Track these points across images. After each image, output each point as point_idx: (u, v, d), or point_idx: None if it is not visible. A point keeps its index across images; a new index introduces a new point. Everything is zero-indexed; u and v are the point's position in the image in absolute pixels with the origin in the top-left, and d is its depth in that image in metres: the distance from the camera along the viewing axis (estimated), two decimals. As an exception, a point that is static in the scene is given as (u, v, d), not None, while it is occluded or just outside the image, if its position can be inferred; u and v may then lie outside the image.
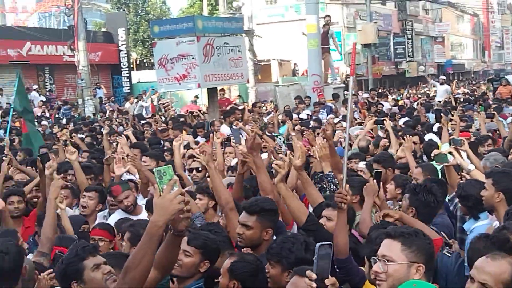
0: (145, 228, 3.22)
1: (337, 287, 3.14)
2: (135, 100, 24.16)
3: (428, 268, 3.30)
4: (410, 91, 34.65)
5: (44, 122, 18.78)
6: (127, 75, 32.85)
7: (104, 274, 3.79)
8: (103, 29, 37.57)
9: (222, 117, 15.95)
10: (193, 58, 15.99)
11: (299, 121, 14.23)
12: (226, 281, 4.10)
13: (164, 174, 3.24)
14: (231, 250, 4.65)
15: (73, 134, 13.19)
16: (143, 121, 17.27)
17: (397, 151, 8.37)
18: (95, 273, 3.75)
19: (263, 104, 20.74)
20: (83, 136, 13.86)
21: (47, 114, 22.69)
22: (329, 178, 6.74)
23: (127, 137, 10.81)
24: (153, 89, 24.98)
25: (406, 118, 14.51)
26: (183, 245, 4.20)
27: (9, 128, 13.58)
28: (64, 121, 20.18)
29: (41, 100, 24.82)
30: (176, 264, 4.11)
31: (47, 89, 29.31)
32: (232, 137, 9.20)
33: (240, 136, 9.06)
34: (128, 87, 32.43)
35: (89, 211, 6.78)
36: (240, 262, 4.12)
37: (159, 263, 3.41)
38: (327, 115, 17.00)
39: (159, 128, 14.29)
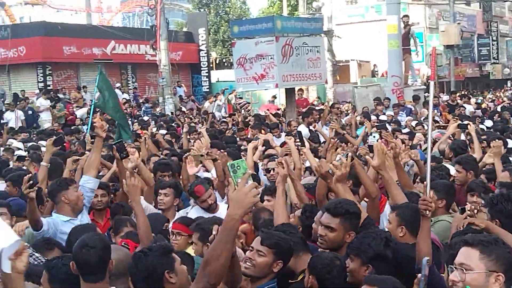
0: (213, 224, 3.27)
1: None
2: (214, 99, 24.47)
3: (508, 278, 3.17)
4: (494, 94, 33.60)
5: (126, 120, 19.20)
6: (207, 74, 33.30)
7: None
8: (184, 29, 38.22)
9: (299, 117, 15.94)
10: (271, 58, 16.05)
11: (377, 123, 14.04)
12: (307, 277, 4.15)
13: (238, 167, 3.27)
14: (306, 251, 4.64)
15: (155, 132, 13.43)
16: (222, 120, 17.46)
17: (481, 158, 8.00)
18: (182, 267, 3.83)
19: (341, 105, 20.58)
20: (163, 133, 14.11)
21: (128, 111, 23.24)
22: None
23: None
24: (227, 89, 25.22)
25: (488, 121, 14.07)
26: (256, 244, 4.23)
27: (90, 124, 13.95)
28: (145, 119, 20.63)
29: (123, 98, 25.44)
30: (249, 264, 4.16)
31: (129, 87, 30.05)
32: (297, 139, 9.08)
33: (304, 138, 8.95)
34: (207, 86, 32.87)
35: (166, 207, 6.81)
36: (316, 257, 4.18)
37: (227, 281, 3.56)
38: (406, 116, 16.72)
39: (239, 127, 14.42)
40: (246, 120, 16.64)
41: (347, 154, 5.48)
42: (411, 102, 19.77)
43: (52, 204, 6.40)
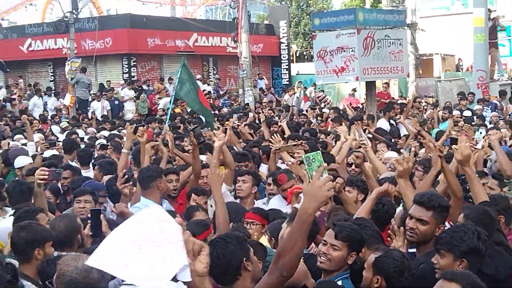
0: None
1: None
2: (293, 92, 24.44)
3: None
4: None
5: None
6: (287, 67, 33.28)
7: None
8: (266, 22, 38.29)
9: (380, 110, 15.73)
10: (352, 50, 15.83)
11: (460, 118, 13.70)
12: (370, 276, 4.07)
13: (313, 160, 3.23)
14: (380, 245, 4.57)
15: (238, 123, 13.60)
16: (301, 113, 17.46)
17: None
18: (255, 256, 3.85)
19: (423, 99, 20.16)
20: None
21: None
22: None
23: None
24: (301, 82, 25.13)
25: None
26: (330, 239, 4.23)
27: (169, 115, 14.24)
28: (224, 110, 20.85)
29: (204, 90, 25.72)
30: (324, 258, 4.19)
31: (211, 79, 30.37)
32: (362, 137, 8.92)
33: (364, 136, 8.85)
34: (287, 79, 32.84)
35: (245, 194, 6.87)
36: (385, 258, 4.05)
37: None
38: (491, 112, 16.20)
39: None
40: (330, 109, 16.58)
41: (410, 149, 5.37)
42: (496, 97, 19.16)
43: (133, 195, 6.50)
